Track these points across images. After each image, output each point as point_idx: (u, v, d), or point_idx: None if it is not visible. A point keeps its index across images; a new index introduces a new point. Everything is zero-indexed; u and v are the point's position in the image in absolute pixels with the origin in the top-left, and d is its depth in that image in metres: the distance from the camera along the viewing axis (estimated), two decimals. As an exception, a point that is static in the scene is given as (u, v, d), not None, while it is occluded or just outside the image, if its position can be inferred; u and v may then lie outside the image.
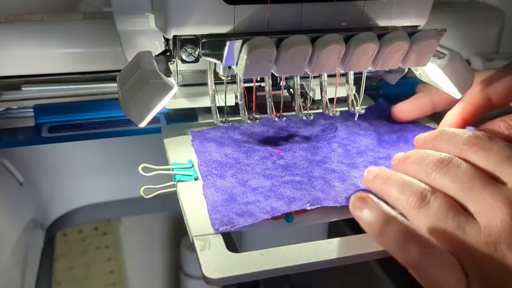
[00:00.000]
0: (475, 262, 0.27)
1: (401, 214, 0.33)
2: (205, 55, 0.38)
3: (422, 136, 0.38)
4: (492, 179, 0.30)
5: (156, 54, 0.41)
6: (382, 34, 0.39)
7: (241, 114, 0.43)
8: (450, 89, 0.45)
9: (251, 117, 0.43)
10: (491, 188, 0.29)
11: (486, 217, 0.28)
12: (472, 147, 0.33)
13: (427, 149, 0.36)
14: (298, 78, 0.44)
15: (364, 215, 0.31)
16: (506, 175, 0.30)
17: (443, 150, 0.34)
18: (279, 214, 0.35)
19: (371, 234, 0.32)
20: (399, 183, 0.33)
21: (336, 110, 0.45)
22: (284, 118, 0.44)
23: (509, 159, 0.31)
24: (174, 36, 0.38)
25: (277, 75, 0.38)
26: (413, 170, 0.34)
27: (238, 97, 0.42)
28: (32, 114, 0.50)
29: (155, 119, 0.49)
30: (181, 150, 0.44)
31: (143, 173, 0.39)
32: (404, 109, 0.48)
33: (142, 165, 0.39)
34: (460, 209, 0.30)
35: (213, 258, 0.32)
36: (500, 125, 0.37)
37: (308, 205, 0.36)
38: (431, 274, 0.27)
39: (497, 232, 0.27)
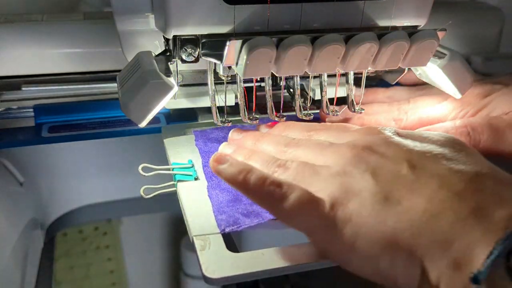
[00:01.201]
0: (331, 189, 0.32)
1: None
2: (205, 55, 0.38)
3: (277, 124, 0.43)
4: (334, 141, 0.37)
5: (156, 54, 0.41)
6: (382, 34, 0.39)
7: (241, 114, 0.43)
8: (450, 89, 0.45)
9: (251, 117, 0.43)
10: (333, 145, 0.35)
11: (334, 158, 0.34)
12: (313, 131, 0.39)
13: (281, 132, 0.42)
14: (298, 78, 0.44)
15: (226, 168, 0.34)
16: (344, 138, 0.36)
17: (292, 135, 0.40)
18: None
19: (234, 185, 0.34)
20: (261, 158, 0.37)
21: (336, 110, 0.45)
22: (284, 118, 0.44)
23: (346, 128, 0.38)
24: (174, 36, 0.38)
25: (277, 75, 0.38)
26: (268, 148, 0.39)
27: (238, 97, 0.42)
28: (32, 114, 0.50)
29: (155, 119, 0.49)
30: (181, 150, 0.44)
31: (143, 173, 0.39)
32: None
33: (142, 165, 0.39)
34: (313, 163, 0.35)
35: (213, 258, 0.32)
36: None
37: None
38: (298, 216, 0.31)
39: (343, 162, 0.33)
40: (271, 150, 0.39)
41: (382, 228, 0.29)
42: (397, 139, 0.34)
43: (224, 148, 0.41)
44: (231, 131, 0.43)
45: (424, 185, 0.30)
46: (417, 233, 0.28)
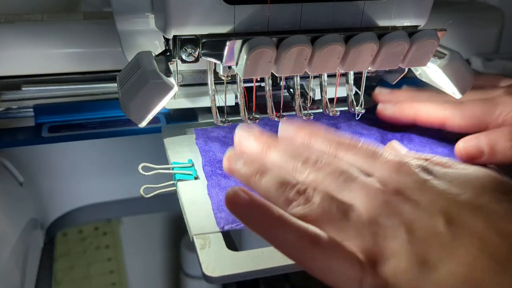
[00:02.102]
0: (363, 242, 0.29)
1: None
2: (205, 55, 0.38)
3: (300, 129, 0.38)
4: (360, 172, 0.33)
5: (156, 54, 0.41)
6: (382, 34, 0.39)
7: (241, 114, 0.43)
8: (450, 89, 0.45)
9: (251, 117, 0.43)
10: (360, 180, 0.32)
11: (362, 198, 0.31)
12: (342, 147, 0.36)
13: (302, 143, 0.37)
14: (298, 78, 0.44)
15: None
16: (372, 169, 0.33)
17: (317, 148, 0.36)
18: None
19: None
20: (275, 178, 0.33)
21: (336, 110, 0.45)
22: (284, 118, 0.44)
23: (374, 154, 0.34)
24: (174, 36, 0.38)
25: (277, 75, 0.38)
26: (282, 161, 0.35)
27: (238, 97, 0.42)
28: (32, 114, 0.50)
29: (155, 119, 0.49)
30: (181, 150, 0.44)
31: (143, 172, 0.39)
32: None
33: (142, 164, 0.39)
34: (339, 199, 0.32)
35: (213, 256, 0.32)
36: None
37: None
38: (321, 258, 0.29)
39: (374, 208, 0.30)
40: (284, 164, 0.35)
41: None
42: (432, 182, 0.31)
43: (230, 158, 0.36)
44: (237, 129, 0.38)
45: (463, 247, 0.28)
46: None
